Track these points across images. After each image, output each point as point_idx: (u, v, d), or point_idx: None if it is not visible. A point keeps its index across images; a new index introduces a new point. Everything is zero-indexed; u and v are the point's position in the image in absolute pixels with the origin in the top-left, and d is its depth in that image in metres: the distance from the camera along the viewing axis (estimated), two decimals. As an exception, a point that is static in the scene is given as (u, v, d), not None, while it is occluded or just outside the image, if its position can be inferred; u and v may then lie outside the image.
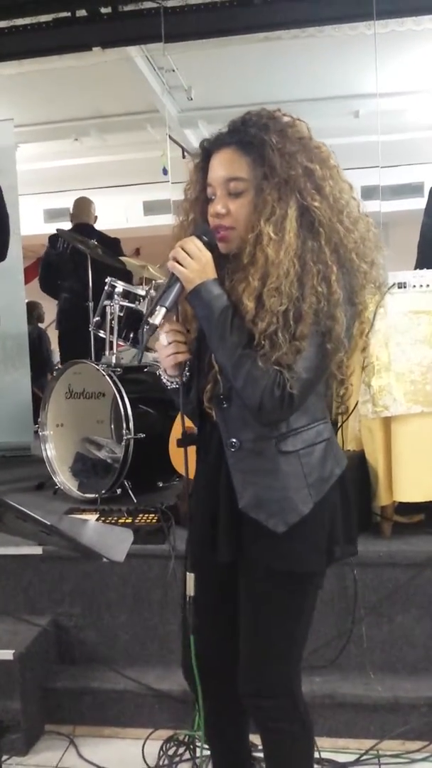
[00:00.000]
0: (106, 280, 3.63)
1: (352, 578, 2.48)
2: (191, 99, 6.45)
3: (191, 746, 2.34)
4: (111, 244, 4.88)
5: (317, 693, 2.38)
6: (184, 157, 6.73)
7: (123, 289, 3.57)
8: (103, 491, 3.23)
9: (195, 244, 1.48)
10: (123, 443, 3.23)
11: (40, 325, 7.47)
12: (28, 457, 4.51)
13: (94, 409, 3.78)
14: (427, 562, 2.47)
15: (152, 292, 3.60)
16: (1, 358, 4.74)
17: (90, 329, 3.81)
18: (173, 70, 5.82)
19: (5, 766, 2.31)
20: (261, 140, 1.46)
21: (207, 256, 1.48)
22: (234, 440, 1.55)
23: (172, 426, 3.06)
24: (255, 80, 5.95)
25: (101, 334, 3.67)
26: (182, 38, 4.90)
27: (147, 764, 2.29)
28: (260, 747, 1.74)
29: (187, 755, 2.33)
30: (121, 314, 3.58)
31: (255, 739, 1.83)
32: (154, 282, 3.70)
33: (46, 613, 2.67)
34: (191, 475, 1.71)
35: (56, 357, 6.43)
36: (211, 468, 1.62)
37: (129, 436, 3.21)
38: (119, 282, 3.60)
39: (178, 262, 1.47)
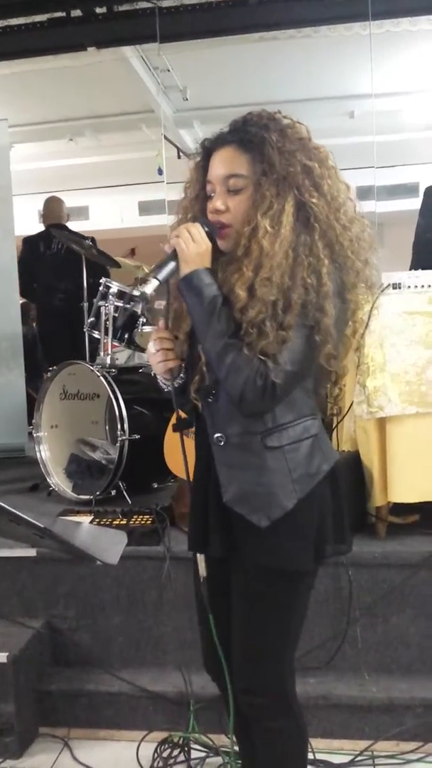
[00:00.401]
0: (101, 281, 3.62)
1: (346, 579, 2.48)
2: (186, 99, 6.45)
3: (186, 748, 2.33)
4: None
5: (312, 694, 2.37)
6: (179, 157, 6.73)
7: (118, 290, 3.57)
8: (98, 492, 3.22)
9: (198, 230, 1.52)
10: (118, 444, 3.22)
11: (35, 325, 7.44)
12: (23, 459, 4.49)
13: (89, 410, 3.77)
14: (421, 562, 2.47)
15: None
16: (-4, 359, 4.73)
17: (85, 330, 3.81)
18: (168, 70, 5.83)
19: (-1, 769, 2.30)
20: (261, 138, 1.49)
21: (207, 244, 1.52)
22: (220, 435, 1.56)
23: (167, 427, 3.05)
24: (250, 80, 5.96)
25: (95, 334, 3.66)
26: (177, 38, 4.90)
27: (141, 766, 2.29)
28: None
29: (181, 757, 2.32)
30: (116, 315, 3.57)
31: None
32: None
33: (40, 615, 2.66)
34: (191, 467, 1.72)
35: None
36: (202, 463, 1.64)
37: (124, 437, 3.21)
38: (114, 282, 3.59)
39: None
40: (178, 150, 6.99)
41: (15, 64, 5.34)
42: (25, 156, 7.16)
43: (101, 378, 3.29)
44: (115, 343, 3.63)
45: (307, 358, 1.47)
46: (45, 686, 2.54)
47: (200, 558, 1.65)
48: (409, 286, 2.62)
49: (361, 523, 2.70)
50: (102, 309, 3.57)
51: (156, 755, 2.32)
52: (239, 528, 1.56)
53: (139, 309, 3.55)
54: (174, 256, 1.52)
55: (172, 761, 2.31)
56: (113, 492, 3.25)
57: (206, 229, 1.53)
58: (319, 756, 2.28)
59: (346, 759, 2.29)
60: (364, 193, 5.61)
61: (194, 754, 2.33)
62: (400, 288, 2.62)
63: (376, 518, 2.68)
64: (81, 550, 1.43)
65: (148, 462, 3.19)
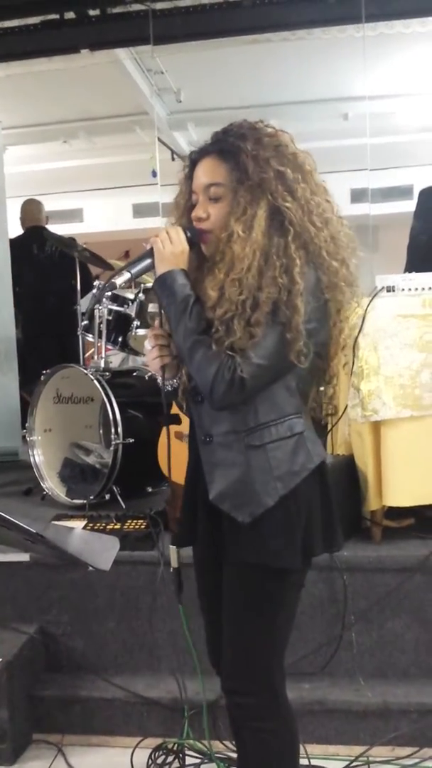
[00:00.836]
0: (95, 283, 3.60)
1: (341, 584, 2.47)
2: (180, 101, 6.46)
3: (180, 754, 2.32)
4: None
5: (307, 699, 2.36)
6: (173, 159, 6.73)
7: (112, 293, 3.55)
8: (92, 497, 3.21)
9: (178, 233, 1.59)
10: (111, 448, 3.20)
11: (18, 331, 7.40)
12: (16, 463, 4.47)
13: (83, 413, 3.75)
14: (417, 566, 2.46)
15: (141, 295, 3.58)
16: (-11, 362, 4.70)
17: (78, 333, 3.79)
18: (162, 73, 5.82)
19: (-8, 777, 2.29)
20: (237, 147, 1.56)
21: (184, 246, 1.59)
22: (206, 434, 1.62)
23: (161, 431, 3.04)
24: (244, 83, 5.97)
25: (89, 337, 3.65)
26: (171, 40, 4.91)
27: (136, 773, 2.28)
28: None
29: (176, 764, 2.30)
30: (110, 318, 3.56)
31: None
32: (143, 285, 3.67)
33: (33, 620, 2.64)
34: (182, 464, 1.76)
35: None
36: (193, 461, 1.70)
37: (118, 441, 3.19)
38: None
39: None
40: (172, 152, 6.99)
41: (8, 67, 5.34)
42: (19, 158, 7.13)
43: (95, 381, 3.28)
44: (109, 347, 3.62)
45: (278, 354, 1.51)
46: (38, 692, 2.52)
47: (173, 550, 1.76)
48: (403, 289, 2.62)
49: (356, 527, 2.69)
50: (96, 312, 3.55)
51: (150, 762, 2.31)
52: (226, 526, 1.60)
53: (133, 312, 3.54)
54: (150, 254, 1.60)
55: (166, 767, 2.29)
56: (107, 496, 3.23)
57: (188, 234, 1.60)
58: (314, 762, 2.27)
59: (341, 765, 2.28)
60: (358, 195, 5.61)
61: (189, 761, 2.31)
62: (394, 291, 2.61)
63: (371, 522, 2.67)
64: (73, 556, 1.43)
65: (143, 466, 3.18)
